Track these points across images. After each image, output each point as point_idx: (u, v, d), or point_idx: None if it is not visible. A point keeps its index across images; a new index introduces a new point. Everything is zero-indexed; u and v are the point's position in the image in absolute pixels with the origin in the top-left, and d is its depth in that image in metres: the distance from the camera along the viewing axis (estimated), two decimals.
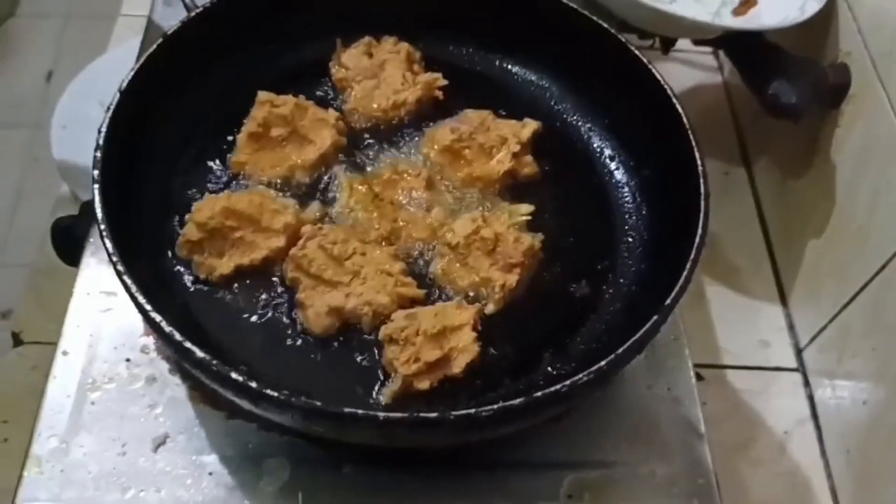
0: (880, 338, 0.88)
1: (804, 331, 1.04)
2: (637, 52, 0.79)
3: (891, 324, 0.86)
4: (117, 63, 1.16)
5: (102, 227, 0.63)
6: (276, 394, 0.56)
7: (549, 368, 0.70)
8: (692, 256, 0.65)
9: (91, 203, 0.70)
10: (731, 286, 1.10)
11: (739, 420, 0.99)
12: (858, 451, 0.90)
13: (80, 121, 1.09)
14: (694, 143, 0.72)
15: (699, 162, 0.71)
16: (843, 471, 0.92)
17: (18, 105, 1.94)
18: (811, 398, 1.00)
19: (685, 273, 0.64)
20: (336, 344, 0.69)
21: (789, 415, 0.99)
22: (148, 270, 0.68)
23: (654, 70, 0.77)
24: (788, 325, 1.07)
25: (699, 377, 0.99)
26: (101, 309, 0.75)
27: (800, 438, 0.97)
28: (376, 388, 0.66)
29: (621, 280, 0.75)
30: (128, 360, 0.72)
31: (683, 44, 1.14)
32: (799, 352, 1.04)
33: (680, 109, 0.74)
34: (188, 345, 0.58)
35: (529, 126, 0.82)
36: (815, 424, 0.98)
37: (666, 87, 0.76)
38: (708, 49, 1.27)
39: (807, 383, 1.01)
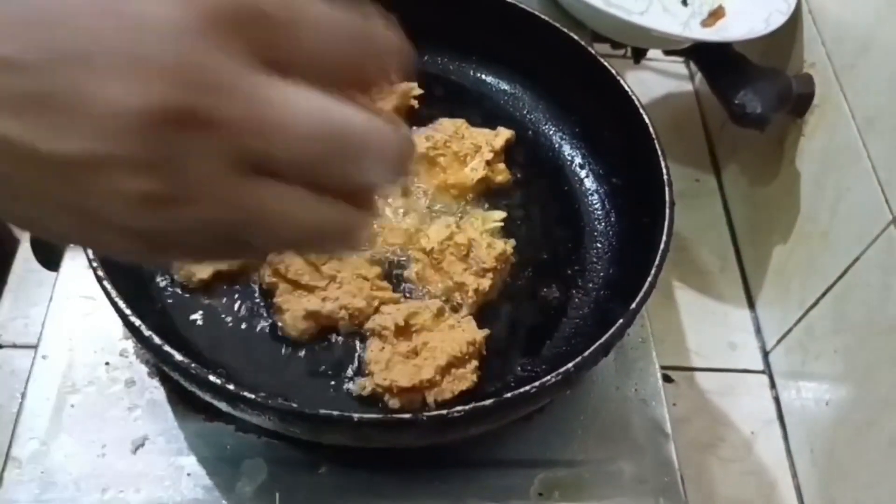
0: (842, 340, 0.91)
1: (770, 333, 1.07)
2: (606, 63, 0.81)
3: (851, 326, 0.89)
4: None
5: None
6: (252, 395, 0.58)
7: (520, 370, 0.72)
8: (657, 262, 0.67)
9: None
10: (700, 289, 1.13)
11: (708, 420, 1.02)
12: (822, 450, 0.93)
13: None
14: (660, 153, 0.74)
15: (665, 171, 0.73)
16: (807, 469, 0.95)
17: None
18: (777, 399, 1.03)
19: (650, 278, 0.66)
20: (313, 347, 0.71)
21: (756, 415, 1.02)
22: (127, 276, 0.69)
23: (622, 81, 0.80)
24: (755, 327, 1.10)
25: (669, 379, 1.02)
26: (81, 313, 0.76)
27: (766, 438, 1.00)
28: (352, 389, 0.68)
29: (590, 284, 0.77)
30: (107, 363, 0.73)
31: (655, 52, 1.18)
32: (765, 354, 1.07)
33: (647, 120, 0.76)
34: (167, 348, 0.60)
35: (502, 135, 0.84)
36: (781, 424, 1.01)
37: (634, 97, 0.79)
38: (679, 58, 1.30)
39: (773, 385, 1.04)
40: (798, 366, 0.99)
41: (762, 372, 1.06)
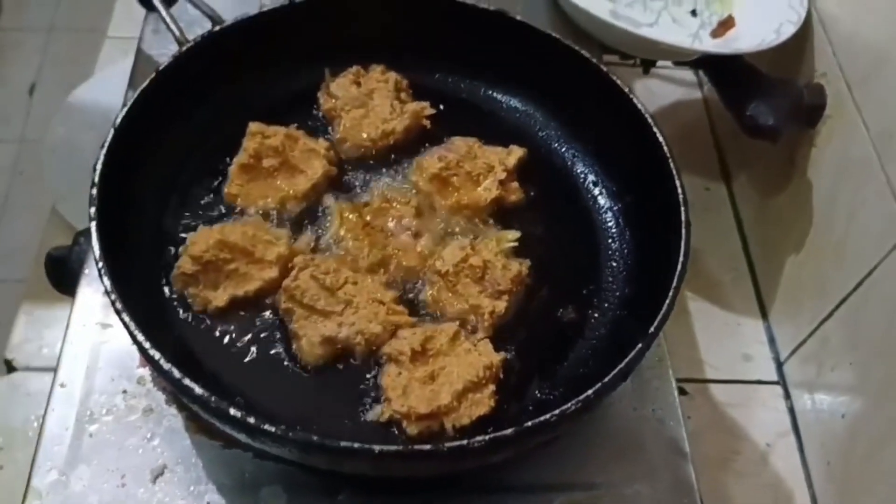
0: (858, 352, 0.90)
1: (784, 344, 1.06)
2: (618, 81, 0.81)
3: (868, 339, 0.89)
4: (105, 87, 1.17)
5: (100, 264, 0.64)
6: (273, 429, 0.58)
7: (538, 393, 0.71)
8: (674, 285, 0.67)
9: (86, 235, 0.71)
10: (712, 301, 1.13)
11: (722, 433, 1.02)
12: (838, 463, 0.92)
13: (71, 146, 1.09)
14: (674, 172, 0.74)
15: (680, 190, 0.73)
16: (823, 482, 0.95)
17: (1, 119, 1.94)
18: (792, 411, 1.03)
19: (668, 301, 0.66)
20: (330, 373, 0.71)
21: (771, 427, 1.02)
22: (144, 304, 0.69)
23: (635, 99, 0.79)
24: (769, 338, 1.09)
25: (683, 392, 1.01)
26: (98, 340, 0.76)
27: (781, 450, 1.00)
28: (369, 416, 0.68)
29: (606, 304, 0.77)
30: (125, 391, 0.73)
31: (664, 61, 1.17)
32: (779, 365, 1.06)
33: (661, 138, 0.76)
34: (187, 382, 0.60)
35: (515, 153, 0.84)
36: (797, 436, 1.01)
37: (647, 115, 0.78)
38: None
39: (787, 396, 1.04)
40: (813, 377, 0.99)
41: (776, 383, 1.05)
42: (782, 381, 1.05)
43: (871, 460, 0.86)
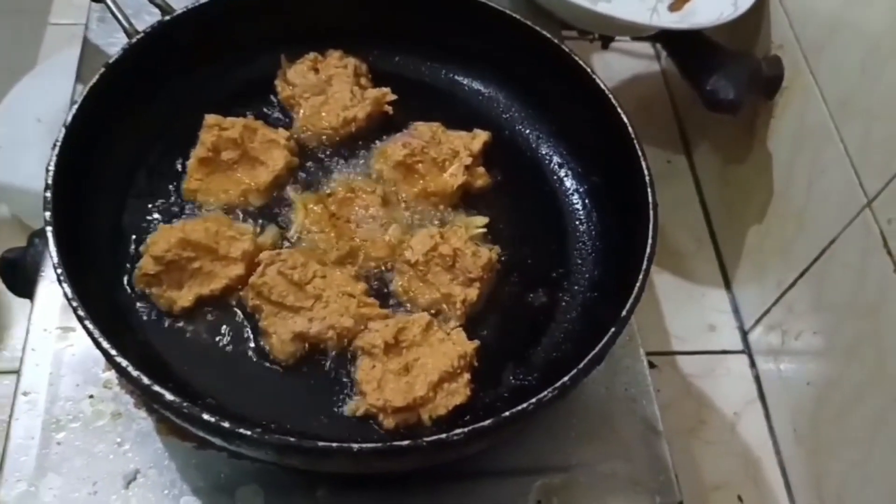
0: (821, 320, 0.92)
1: (749, 313, 1.08)
2: (580, 60, 0.80)
3: (830, 307, 0.90)
4: (50, 77, 1.13)
5: (59, 270, 0.62)
6: (248, 432, 0.57)
7: (512, 379, 0.71)
8: (644, 267, 0.67)
9: (41, 235, 0.69)
10: (676, 272, 1.14)
11: (690, 403, 1.04)
12: (805, 429, 0.95)
13: (17, 141, 1.06)
14: (640, 152, 0.74)
15: (646, 171, 0.73)
16: (791, 448, 0.97)
17: None
18: (758, 379, 1.05)
19: (638, 284, 0.66)
20: (303, 369, 0.70)
21: (738, 396, 1.04)
22: (106, 307, 0.67)
23: (597, 79, 0.79)
24: (733, 307, 1.11)
25: (652, 365, 1.02)
26: (60, 345, 0.74)
27: (749, 418, 1.02)
28: (345, 411, 0.68)
29: (577, 287, 0.77)
30: (91, 396, 0.72)
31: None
32: (745, 334, 1.08)
33: (625, 118, 0.76)
34: (157, 388, 0.58)
35: (480, 137, 0.83)
36: (763, 404, 1.03)
37: (609, 95, 0.78)
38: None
39: (753, 364, 1.06)
40: (778, 345, 1.01)
41: (742, 352, 1.07)
42: (748, 350, 1.07)
43: (837, 426, 0.88)
